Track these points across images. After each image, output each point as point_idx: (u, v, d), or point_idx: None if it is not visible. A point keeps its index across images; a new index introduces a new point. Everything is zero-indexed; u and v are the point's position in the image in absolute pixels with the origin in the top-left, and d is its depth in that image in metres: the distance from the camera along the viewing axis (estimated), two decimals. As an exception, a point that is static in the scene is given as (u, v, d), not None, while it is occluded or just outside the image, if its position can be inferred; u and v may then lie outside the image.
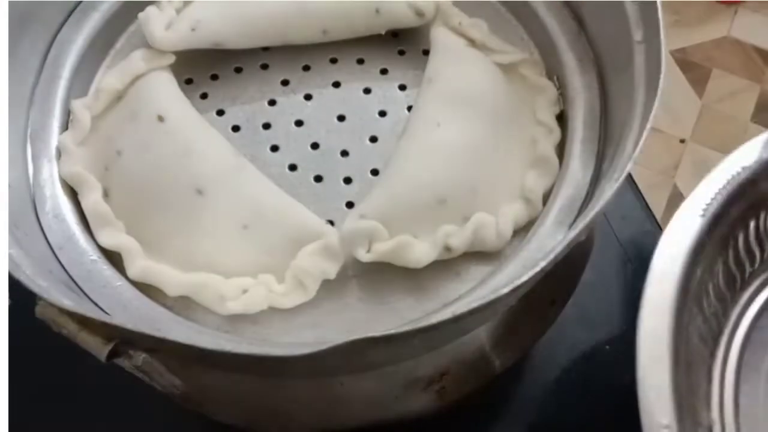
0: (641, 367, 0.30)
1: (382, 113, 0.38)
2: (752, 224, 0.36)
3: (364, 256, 0.32)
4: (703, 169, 0.37)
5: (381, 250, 0.31)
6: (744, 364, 0.37)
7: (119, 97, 0.37)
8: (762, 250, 0.38)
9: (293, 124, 0.37)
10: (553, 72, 0.38)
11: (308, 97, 0.38)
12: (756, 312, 0.38)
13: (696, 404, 0.33)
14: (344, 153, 0.36)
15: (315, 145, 0.36)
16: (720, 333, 0.37)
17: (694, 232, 0.33)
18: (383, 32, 0.39)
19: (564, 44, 0.37)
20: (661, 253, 0.32)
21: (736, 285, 0.38)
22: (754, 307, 0.38)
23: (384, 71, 0.39)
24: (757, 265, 0.38)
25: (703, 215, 0.33)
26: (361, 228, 0.32)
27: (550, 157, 0.35)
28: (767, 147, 0.35)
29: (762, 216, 0.36)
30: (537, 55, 0.39)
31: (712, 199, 0.33)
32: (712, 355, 0.36)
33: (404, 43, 0.40)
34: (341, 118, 0.37)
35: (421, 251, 0.32)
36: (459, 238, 0.32)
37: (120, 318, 0.30)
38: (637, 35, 0.33)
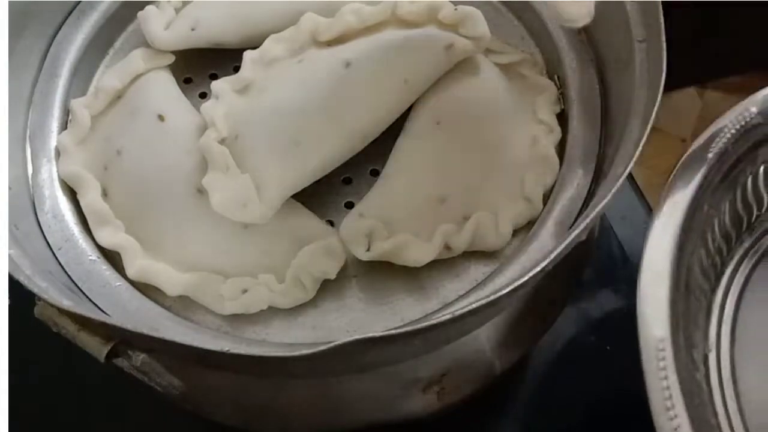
0: (642, 284, 0.32)
1: (382, 112, 0.37)
2: (762, 168, 0.38)
3: (363, 254, 0.32)
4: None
5: (380, 248, 0.31)
6: (743, 302, 0.38)
7: (118, 96, 0.37)
8: (771, 195, 0.40)
9: (293, 124, 0.37)
10: (554, 71, 0.38)
11: (308, 96, 0.38)
12: (760, 254, 0.40)
13: (693, 331, 0.35)
14: (344, 153, 0.36)
15: (315, 145, 0.36)
16: (723, 270, 0.39)
17: (702, 168, 0.34)
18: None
19: (564, 44, 0.37)
20: (672, 185, 0.34)
21: (742, 226, 0.39)
22: (760, 249, 0.40)
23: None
24: (764, 209, 0.40)
25: (710, 153, 0.35)
26: (360, 226, 0.32)
27: (551, 157, 0.34)
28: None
29: (772, 160, 0.38)
30: (537, 54, 0.39)
31: (719, 138, 0.35)
32: (713, 290, 0.38)
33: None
34: (341, 117, 0.37)
35: (420, 250, 0.32)
36: (459, 237, 0.32)
37: (119, 318, 0.30)
38: (638, 35, 0.33)
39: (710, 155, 0.35)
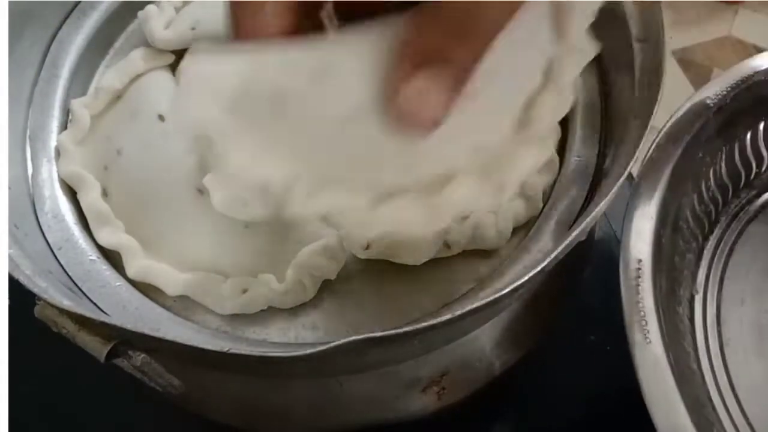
0: (629, 218, 0.33)
1: (382, 113, 0.37)
2: (762, 125, 0.39)
3: (361, 252, 0.31)
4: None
5: (379, 246, 0.31)
6: (734, 254, 0.40)
7: (119, 96, 0.37)
8: (770, 153, 0.41)
9: (293, 124, 0.37)
10: (554, 71, 0.38)
11: (308, 96, 0.38)
12: (754, 211, 0.41)
13: (679, 270, 0.36)
14: (344, 152, 0.36)
15: (315, 145, 0.36)
16: (717, 219, 0.40)
17: (700, 117, 0.35)
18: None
19: (564, 43, 0.37)
20: (669, 129, 0.35)
21: (740, 181, 0.40)
22: (755, 206, 0.41)
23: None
24: (764, 168, 0.41)
25: (710, 102, 0.36)
26: (359, 225, 0.32)
27: (551, 154, 0.34)
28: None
29: (772, 120, 0.39)
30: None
31: (721, 91, 0.36)
32: (706, 238, 0.40)
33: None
34: (341, 117, 0.37)
35: (419, 248, 0.32)
36: (458, 235, 0.32)
37: (119, 318, 0.30)
38: (638, 35, 0.33)
39: (710, 105, 0.35)
